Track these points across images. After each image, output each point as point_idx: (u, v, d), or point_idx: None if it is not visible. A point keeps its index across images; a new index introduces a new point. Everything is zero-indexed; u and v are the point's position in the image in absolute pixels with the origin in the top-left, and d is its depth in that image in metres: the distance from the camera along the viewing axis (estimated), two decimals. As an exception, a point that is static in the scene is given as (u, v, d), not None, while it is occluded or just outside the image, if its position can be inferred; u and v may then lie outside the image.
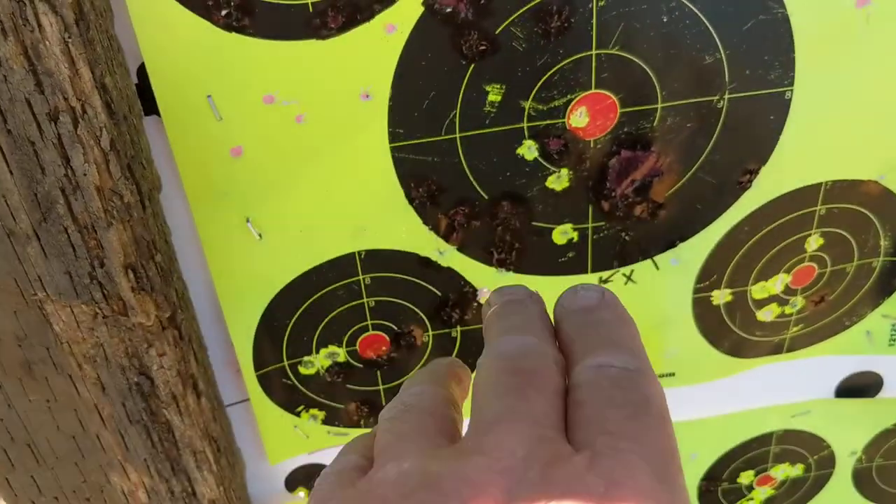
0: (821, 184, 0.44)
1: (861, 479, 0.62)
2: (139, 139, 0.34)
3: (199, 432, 0.41)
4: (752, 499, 0.62)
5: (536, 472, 0.20)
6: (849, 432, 0.59)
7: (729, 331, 0.51)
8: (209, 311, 0.45)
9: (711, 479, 0.60)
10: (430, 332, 0.49)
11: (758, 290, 0.49)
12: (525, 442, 0.21)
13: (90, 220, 0.33)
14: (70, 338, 0.37)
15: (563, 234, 0.45)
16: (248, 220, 0.42)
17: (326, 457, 0.55)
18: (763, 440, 0.58)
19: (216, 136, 0.39)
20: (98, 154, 0.32)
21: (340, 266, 0.45)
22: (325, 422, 0.52)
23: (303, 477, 0.56)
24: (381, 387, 0.51)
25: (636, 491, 0.20)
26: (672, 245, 0.46)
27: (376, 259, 0.45)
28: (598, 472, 0.20)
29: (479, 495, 0.20)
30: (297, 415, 0.51)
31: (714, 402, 0.56)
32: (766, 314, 0.50)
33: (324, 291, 0.46)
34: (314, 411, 0.51)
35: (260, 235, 0.43)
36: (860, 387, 0.56)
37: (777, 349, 0.53)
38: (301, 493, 0.56)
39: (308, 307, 0.46)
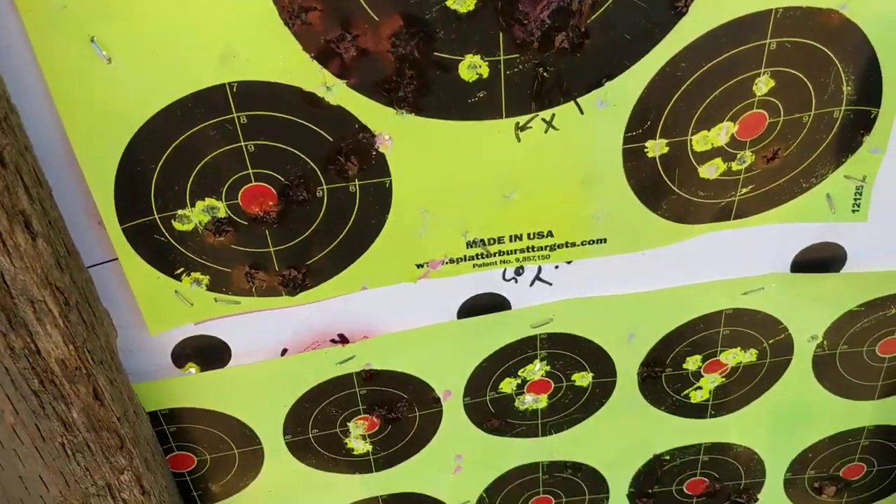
0: (770, 11, 0.42)
1: (823, 369, 0.62)
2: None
3: (37, 279, 0.40)
4: (700, 387, 0.62)
5: None
6: (808, 313, 0.58)
7: (667, 190, 0.49)
8: (58, 148, 0.43)
9: (653, 363, 0.60)
10: (325, 186, 0.47)
11: (699, 141, 0.47)
12: None
13: None
14: None
15: (470, 67, 0.43)
16: (92, 40, 0.39)
17: (216, 328, 0.54)
18: (710, 320, 0.57)
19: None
20: None
21: (209, 101, 0.43)
22: (211, 287, 0.51)
23: (192, 350, 0.55)
24: (271, 249, 0.49)
25: None
26: (598, 84, 0.44)
27: (252, 93, 0.43)
28: None
29: None
30: (178, 278, 0.50)
31: (653, 275, 0.55)
32: (710, 170, 0.48)
33: (192, 131, 0.44)
34: (197, 275, 0.50)
35: (109, 59, 0.40)
36: (820, 261, 0.55)
37: (724, 214, 0.51)
38: (192, 368, 0.55)
39: (176, 150, 0.44)
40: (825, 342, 0.60)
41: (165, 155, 0.45)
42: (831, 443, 0.68)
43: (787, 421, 0.65)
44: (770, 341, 0.60)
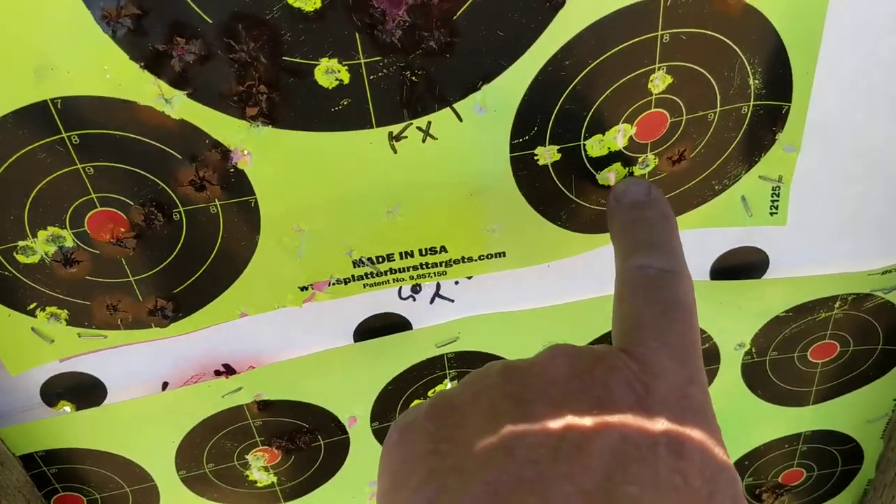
0: (659, -1, 0.36)
1: (753, 377, 0.57)
2: None
3: None
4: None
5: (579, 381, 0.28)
6: (732, 321, 0.53)
7: (565, 199, 0.44)
8: None
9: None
10: (181, 209, 0.41)
11: (594, 146, 0.41)
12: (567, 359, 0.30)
13: None
14: None
15: (328, 73, 0.37)
16: None
17: (85, 364, 0.48)
18: (627, 333, 0.52)
19: None
20: None
21: (31, 120, 0.37)
22: (71, 322, 0.45)
23: (63, 388, 0.49)
24: (131, 278, 0.43)
25: (661, 370, 0.29)
26: (474, 87, 0.39)
27: (80, 110, 0.37)
28: (633, 356, 0.29)
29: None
30: (32, 314, 0.44)
31: (563, 287, 0.50)
32: (610, 176, 0.43)
33: (18, 155, 0.38)
34: (53, 309, 0.44)
35: None
36: (741, 266, 0.50)
37: (632, 222, 0.45)
38: (66, 407, 0.50)
39: (3, 177, 0.38)
40: (753, 349, 0.56)
41: (-7, 182, 0.39)
42: (768, 450, 0.63)
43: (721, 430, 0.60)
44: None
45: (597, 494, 0.25)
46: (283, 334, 0.50)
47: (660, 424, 0.27)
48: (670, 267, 0.34)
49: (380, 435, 0.57)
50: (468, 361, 0.53)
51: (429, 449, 0.29)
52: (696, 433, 0.28)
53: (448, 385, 0.55)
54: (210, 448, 0.54)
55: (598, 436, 0.27)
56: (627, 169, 0.43)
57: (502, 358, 0.51)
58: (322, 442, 0.56)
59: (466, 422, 0.29)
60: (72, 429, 0.51)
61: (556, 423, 0.27)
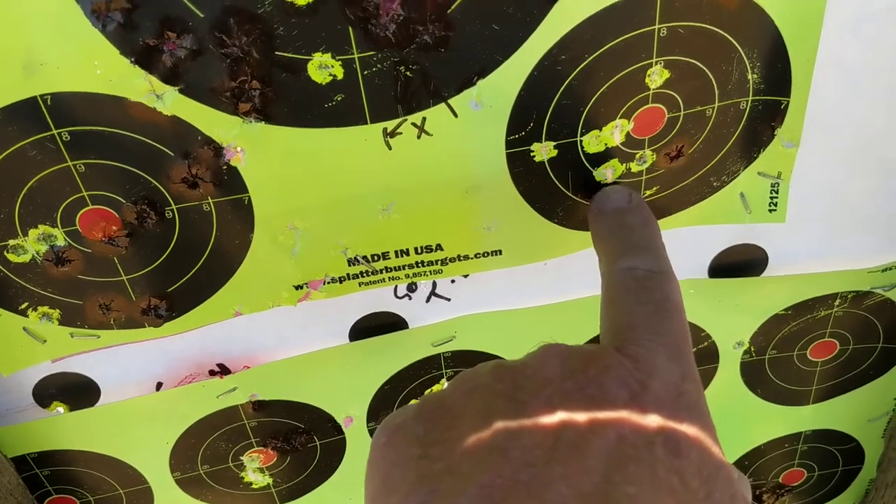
0: (656, -8, 0.36)
1: (752, 376, 0.56)
2: None
3: None
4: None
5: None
6: (731, 319, 0.52)
7: (561, 196, 0.43)
8: None
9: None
10: (174, 206, 0.40)
11: (591, 142, 0.41)
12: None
13: None
14: None
15: (321, 67, 0.37)
16: None
17: (78, 364, 0.47)
18: (625, 331, 0.51)
19: None
20: None
21: (20, 116, 0.36)
22: (64, 322, 0.44)
23: (56, 389, 0.49)
24: (123, 277, 0.43)
25: (655, 367, 0.28)
26: (469, 83, 0.38)
27: (70, 107, 0.36)
28: (626, 354, 0.29)
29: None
30: (23, 314, 0.43)
31: (560, 285, 0.49)
32: (607, 173, 0.42)
33: (8, 152, 0.37)
34: (45, 309, 0.43)
35: None
36: (740, 264, 0.50)
37: (629, 219, 0.45)
38: (59, 408, 0.49)
39: (-7, 174, 0.38)
40: (752, 348, 0.55)
41: (-19, 180, 0.38)
42: (767, 450, 0.63)
43: (719, 430, 0.60)
44: (693, 349, 0.54)
45: (595, 496, 0.24)
46: (278, 333, 0.49)
47: (656, 423, 0.27)
48: (658, 268, 0.34)
49: (376, 435, 0.56)
50: (465, 361, 0.53)
51: (418, 454, 0.28)
52: (692, 431, 0.27)
53: (445, 385, 0.54)
54: (205, 449, 0.54)
55: (594, 435, 0.26)
56: (625, 165, 0.42)
57: (499, 357, 0.51)
58: (318, 443, 0.56)
59: (458, 422, 0.28)
60: (65, 430, 0.51)
61: (551, 423, 0.27)
